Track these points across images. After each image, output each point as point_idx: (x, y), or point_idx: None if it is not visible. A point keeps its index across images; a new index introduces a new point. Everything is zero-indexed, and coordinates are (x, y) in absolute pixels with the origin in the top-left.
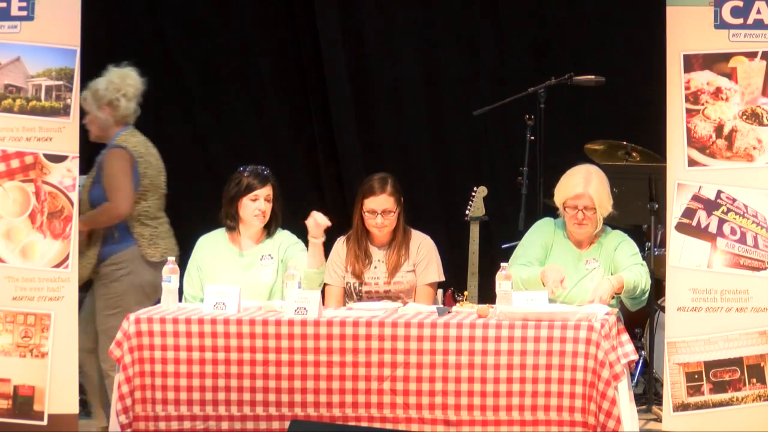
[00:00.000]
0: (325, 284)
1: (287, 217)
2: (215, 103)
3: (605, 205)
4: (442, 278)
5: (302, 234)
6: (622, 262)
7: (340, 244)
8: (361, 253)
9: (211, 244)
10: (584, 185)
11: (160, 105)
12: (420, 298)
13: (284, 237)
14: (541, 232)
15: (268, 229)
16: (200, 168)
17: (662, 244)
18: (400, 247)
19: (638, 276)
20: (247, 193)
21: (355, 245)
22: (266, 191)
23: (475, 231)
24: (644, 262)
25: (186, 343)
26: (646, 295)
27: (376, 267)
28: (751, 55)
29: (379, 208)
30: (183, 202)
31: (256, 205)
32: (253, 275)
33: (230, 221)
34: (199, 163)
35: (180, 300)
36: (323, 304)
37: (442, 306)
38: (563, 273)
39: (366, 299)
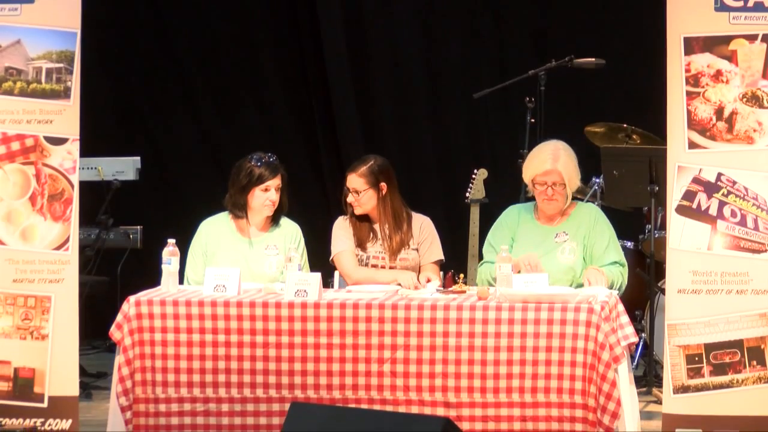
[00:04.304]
0: (340, 251)
1: (289, 203)
2: (216, 89)
3: (574, 180)
4: (443, 257)
5: (302, 220)
6: (598, 250)
7: (342, 220)
8: (363, 226)
9: (216, 229)
10: (552, 161)
11: (162, 92)
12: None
13: (291, 230)
14: (503, 226)
15: (275, 217)
16: (202, 154)
17: (662, 226)
18: (396, 230)
19: (617, 277)
20: (258, 184)
21: (353, 219)
22: (277, 181)
23: (475, 213)
24: (621, 255)
25: (186, 326)
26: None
27: (381, 244)
28: (752, 38)
29: (350, 185)
30: (185, 189)
31: (267, 195)
32: (257, 263)
33: (238, 210)
34: (201, 149)
35: (180, 283)
36: (342, 269)
37: (443, 288)
38: (537, 259)
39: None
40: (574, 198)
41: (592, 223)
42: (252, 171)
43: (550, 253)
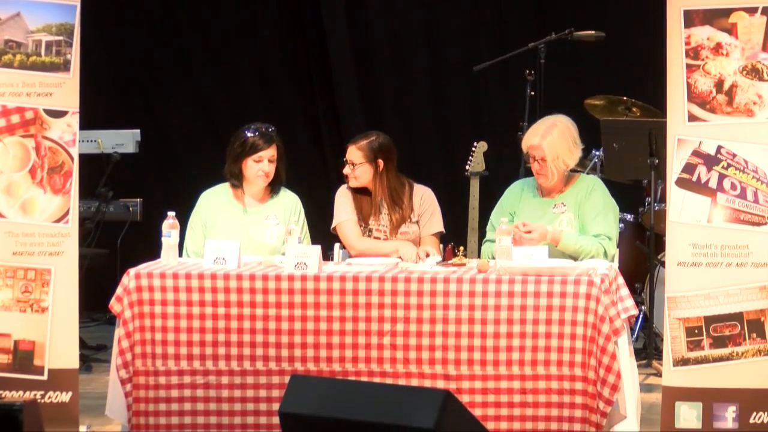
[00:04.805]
0: (343, 221)
1: (287, 175)
2: (216, 62)
3: (562, 157)
4: (443, 229)
5: (302, 191)
6: (587, 220)
7: (345, 189)
8: (364, 198)
9: (214, 200)
10: (540, 137)
11: (161, 64)
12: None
13: (290, 200)
14: (503, 207)
15: (272, 188)
16: (202, 127)
17: (662, 199)
18: (393, 207)
19: (592, 247)
20: (251, 154)
21: (353, 190)
22: (270, 152)
23: (475, 186)
24: (610, 228)
25: (186, 298)
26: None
27: (381, 217)
28: (752, 11)
29: (348, 157)
30: (185, 161)
31: (260, 166)
32: (257, 233)
33: (234, 180)
34: (201, 121)
35: (180, 255)
36: (345, 238)
37: (442, 260)
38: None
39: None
40: (577, 171)
41: (587, 194)
42: (246, 141)
43: (549, 225)
